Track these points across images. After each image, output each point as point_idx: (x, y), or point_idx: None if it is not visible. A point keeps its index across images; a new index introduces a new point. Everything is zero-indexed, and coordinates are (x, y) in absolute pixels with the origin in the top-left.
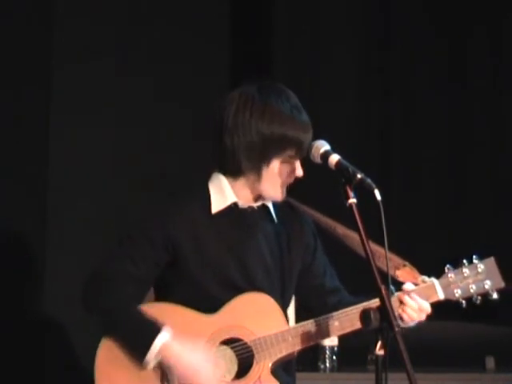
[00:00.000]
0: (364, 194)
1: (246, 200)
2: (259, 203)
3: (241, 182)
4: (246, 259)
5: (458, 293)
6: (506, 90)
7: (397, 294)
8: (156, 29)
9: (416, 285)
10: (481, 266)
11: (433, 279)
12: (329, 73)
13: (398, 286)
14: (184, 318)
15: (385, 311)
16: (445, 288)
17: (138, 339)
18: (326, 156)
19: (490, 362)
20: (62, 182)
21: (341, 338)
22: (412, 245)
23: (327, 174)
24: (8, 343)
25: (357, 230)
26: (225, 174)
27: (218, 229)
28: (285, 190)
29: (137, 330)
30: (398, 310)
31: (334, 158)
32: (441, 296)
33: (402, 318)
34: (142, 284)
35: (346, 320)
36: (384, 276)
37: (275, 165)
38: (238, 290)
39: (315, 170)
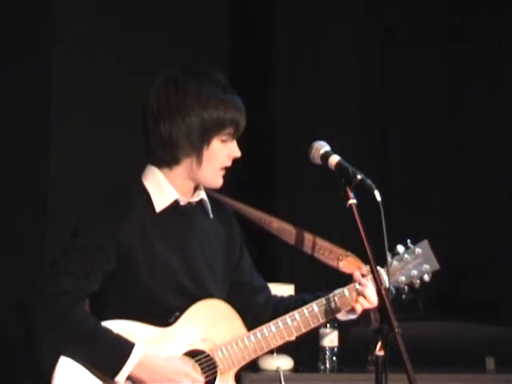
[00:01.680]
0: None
1: (184, 193)
2: (197, 198)
3: (177, 172)
4: (192, 260)
5: (401, 279)
6: (506, 90)
7: (347, 287)
8: (156, 29)
9: (362, 275)
10: (418, 250)
11: (378, 268)
12: (329, 72)
13: (344, 278)
14: (142, 333)
15: (385, 312)
16: (390, 276)
17: (109, 357)
18: (326, 157)
19: (490, 363)
20: (62, 181)
21: (341, 339)
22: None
23: (328, 174)
24: (7, 343)
25: (357, 230)
26: (159, 166)
27: (164, 229)
28: (222, 175)
29: (108, 347)
30: (351, 303)
31: (334, 158)
32: (387, 284)
33: (352, 309)
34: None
35: (304, 320)
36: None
37: (215, 145)
38: (187, 293)
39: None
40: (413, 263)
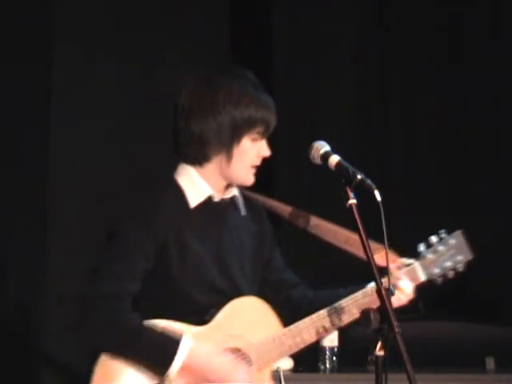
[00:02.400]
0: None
1: (217, 189)
2: (230, 195)
3: (208, 169)
4: (224, 256)
5: (436, 271)
6: (506, 90)
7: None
8: (156, 29)
9: (397, 268)
10: (452, 241)
11: (413, 261)
12: (329, 73)
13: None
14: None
15: (385, 312)
16: (425, 269)
17: (158, 352)
18: (326, 157)
19: (490, 363)
20: (62, 181)
21: (341, 339)
22: (412, 244)
23: (328, 174)
24: (6, 344)
25: (357, 230)
26: (191, 163)
27: (197, 225)
28: (253, 173)
29: (156, 343)
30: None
31: (334, 158)
32: (423, 278)
33: None
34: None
35: (335, 316)
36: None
37: (245, 143)
38: (217, 290)
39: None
40: (446, 254)
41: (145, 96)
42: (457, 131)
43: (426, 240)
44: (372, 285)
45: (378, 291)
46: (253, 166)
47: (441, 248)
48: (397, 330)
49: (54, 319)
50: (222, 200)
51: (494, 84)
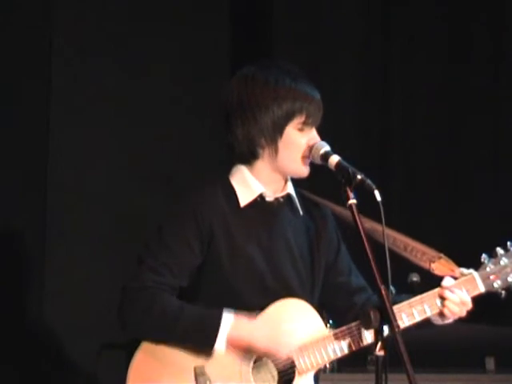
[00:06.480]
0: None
1: (272, 187)
2: (284, 193)
3: (260, 165)
4: (275, 256)
5: (497, 283)
6: (506, 89)
7: (436, 290)
8: (156, 28)
9: (454, 278)
10: None
11: (472, 271)
12: (329, 73)
13: (435, 280)
14: None
15: (385, 311)
16: (484, 280)
17: (202, 330)
18: (326, 157)
19: (490, 363)
20: (62, 182)
21: None
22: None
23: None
24: (6, 343)
25: (357, 230)
26: (243, 162)
27: (248, 224)
28: (307, 163)
29: (198, 321)
30: (438, 306)
31: (334, 158)
32: (481, 289)
33: (443, 314)
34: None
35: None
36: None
37: (291, 134)
38: (267, 290)
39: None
40: (510, 267)
41: (145, 96)
42: (457, 131)
43: (490, 250)
44: (428, 293)
45: (379, 292)
46: (304, 157)
47: (504, 260)
48: (397, 329)
49: (53, 319)
50: (276, 199)
51: (494, 83)
